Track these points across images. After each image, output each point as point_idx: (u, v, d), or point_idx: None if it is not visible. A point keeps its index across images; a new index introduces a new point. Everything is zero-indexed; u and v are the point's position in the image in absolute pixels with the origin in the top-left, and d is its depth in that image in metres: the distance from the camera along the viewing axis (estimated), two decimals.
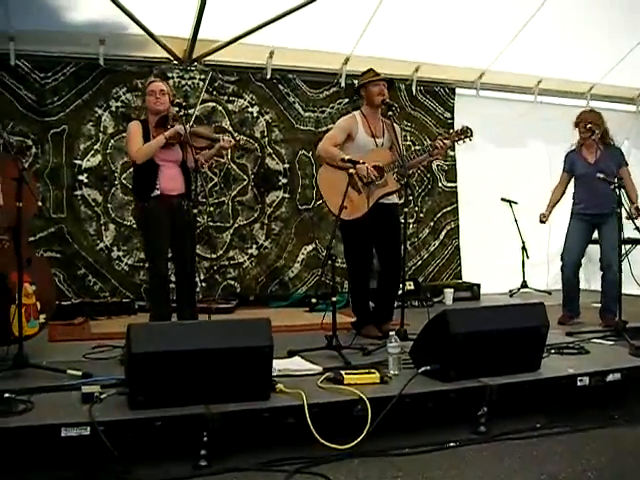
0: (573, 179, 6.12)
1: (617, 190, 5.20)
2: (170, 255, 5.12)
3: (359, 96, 5.61)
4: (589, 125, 5.74)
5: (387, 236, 5.38)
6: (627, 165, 6.01)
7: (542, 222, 6.21)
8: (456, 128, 5.64)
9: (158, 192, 4.91)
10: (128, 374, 3.39)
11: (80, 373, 3.87)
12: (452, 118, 8.10)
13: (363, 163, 5.05)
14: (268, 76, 7.28)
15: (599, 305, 6.04)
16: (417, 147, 5.61)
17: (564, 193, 6.20)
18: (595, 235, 6.08)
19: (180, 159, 4.96)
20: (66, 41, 6.33)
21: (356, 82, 5.80)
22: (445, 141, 5.34)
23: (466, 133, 5.42)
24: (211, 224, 7.08)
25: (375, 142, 5.38)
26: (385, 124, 5.47)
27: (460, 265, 8.29)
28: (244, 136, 7.19)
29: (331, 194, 5.19)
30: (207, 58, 6.95)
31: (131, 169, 6.50)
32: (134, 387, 3.28)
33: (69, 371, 3.90)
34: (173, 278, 5.25)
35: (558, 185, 6.22)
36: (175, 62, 6.89)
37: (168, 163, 4.96)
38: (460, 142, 5.50)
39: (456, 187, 8.27)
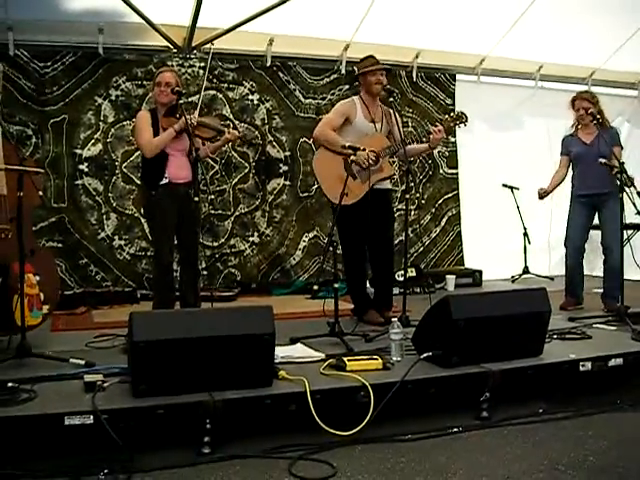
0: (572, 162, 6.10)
1: (619, 175, 5.18)
2: (174, 243, 5.12)
3: (359, 82, 5.55)
4: (591, 110, 5.70)
5: (379, 221, 5.26)
6: (621, 147, 5.93)
7: (540, 198, 6.18)
8: (451, 114, 5.60)
9: (166, 180, 4.91)
10: (131, 362, 3.40)
11: (83, 362, 3.89)
12: (453, 104, 8.06)
13: (364, 149, 5.03)
14: (268, 63, 7.24)
15: (601, 290, 6.03)
16: (414, 134, 5.56)
17: (565, 176, 6.16)
18: (597, 220, 6.04)
19: (187, 148, 4.96)
20: (65, 30, 6.30)
21: (356, 69, 5.76)
22: (440, 128, 5.26)
23: (461, 119, 5.42)
24: (212, 212, 7.06)
25: (375, 127, 5.36)
26: (383, 111, 5.44)
27: (462, 251, 8.28)
28: (244, 124, 7.15)
29: (326, 178, 5.19)
30: (206, 46, 6.90)
31: (132, 158, 6.57)
32: (137, 375, 3.29)
33: (72, 360, 3.91)
34: (176, 266, 5.25)
35: (558, 169, 6.20)
36: (175, 50, 6.86)
37: (177, 152, 4.96)
38: (455, 127, 5.51)
39: (457, 173, 8.25)
